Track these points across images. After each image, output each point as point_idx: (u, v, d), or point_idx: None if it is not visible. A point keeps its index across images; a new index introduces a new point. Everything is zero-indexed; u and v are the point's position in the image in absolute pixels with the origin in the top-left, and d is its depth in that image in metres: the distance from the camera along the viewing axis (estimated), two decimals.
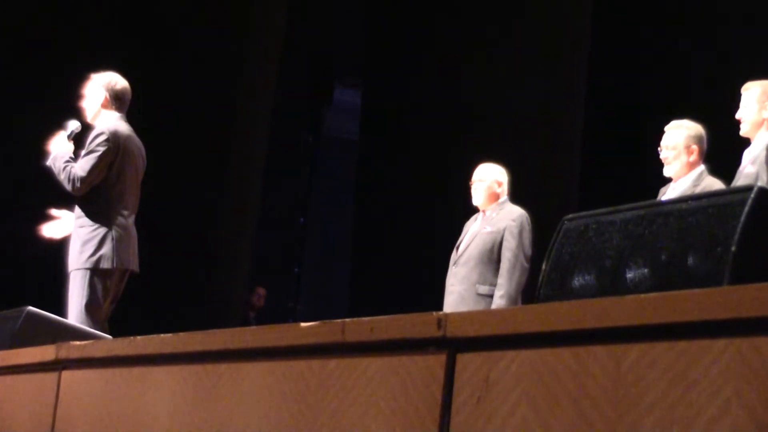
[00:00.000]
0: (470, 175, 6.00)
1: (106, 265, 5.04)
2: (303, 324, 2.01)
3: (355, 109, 12.36)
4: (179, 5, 8.71)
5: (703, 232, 1.73)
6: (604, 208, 1.99)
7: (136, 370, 2.67)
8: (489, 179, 5.93)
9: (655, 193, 5.05)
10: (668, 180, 5.04)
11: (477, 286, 5.72)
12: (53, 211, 5.30)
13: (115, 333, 4.28)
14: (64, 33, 8.40)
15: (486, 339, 1.61)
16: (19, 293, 6.77)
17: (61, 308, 5.12)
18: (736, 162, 4.71)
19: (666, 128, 5.08)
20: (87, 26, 8.42)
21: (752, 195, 1.69)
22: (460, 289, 5.75)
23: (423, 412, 1.69)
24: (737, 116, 4.76)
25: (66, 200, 5.32)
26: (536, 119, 9.47)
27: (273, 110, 9.72)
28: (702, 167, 4.99)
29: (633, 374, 1.38)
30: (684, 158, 4.97)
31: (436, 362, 1.68)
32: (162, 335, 2.55)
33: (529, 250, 5.76)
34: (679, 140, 4.99)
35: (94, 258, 5.02)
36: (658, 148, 5.05)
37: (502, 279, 5.68)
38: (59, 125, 5.28)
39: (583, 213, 2.03)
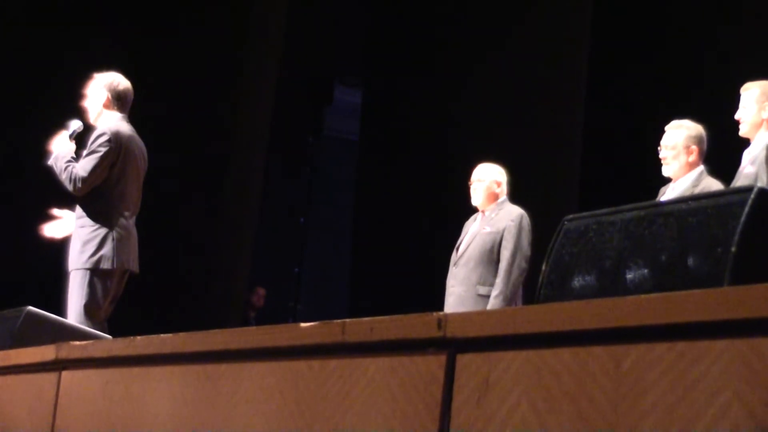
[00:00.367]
0: (470, 175, 6.00)
1: (106, 265, 5.04)
2: (303, 324, 2.01)
3: (355, 108, 12.36)
4: (179, 5, 8.71)
5: (703, 233, 1.73)
6: (605, 209, 1.99)
7: (136, 371, 2.67)
8: (488, 179, 5.93)
9: (656, 194, 5.05)
10: (668, 180, 5.04)
11: (477, 286, 5.72)
12: (54, 211, 5.30)
13: (115, 333, 4.27)
14: (65, 32, 8.40)
15: (486, 339, 1.61)
16: (19, 293, 6.77)
17: (61, 308, 5.12)
18: (737, 162, 4.71)
19: (666, 128, 5.08)
20: (87, 26, 8.42)
21: (752, 195, 1.69)
22: (460, 289, 5.75)
23: (423, 412, 1.69)
24: (736, 117, 4.76)
25: (67, 200, 5.32)
26: (536, 119, 9.47)
27: (273, 110, 9.72)
28: (701, 168, 4.99)
29: (633, 375, 1.38)
30: (683, 158, 4.97)
31: (436, 363, 1.68)
32: (162, 335, 2.54)
33: (527, 251, 5.76)
34: (679, 140, 4.99)
35: (95, 258, 5.02)
36: (658, 148, 5.05)
37: (499, 279, 5.68)
38: (60, 125, 5.28)
39: (584, 213, 2.03)
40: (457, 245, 5.92)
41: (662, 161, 5.02)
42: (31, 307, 4.15)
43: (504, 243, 5.73)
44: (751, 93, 4.73)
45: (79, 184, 5.01)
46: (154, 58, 8.33)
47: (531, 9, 9.65)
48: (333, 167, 15.00)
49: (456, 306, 5.67)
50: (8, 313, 4.28)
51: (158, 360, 2.55)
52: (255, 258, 10.06)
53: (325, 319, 1.98)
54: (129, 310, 5.83)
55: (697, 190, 4.77)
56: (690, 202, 1.81)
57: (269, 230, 12.94)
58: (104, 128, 5.11)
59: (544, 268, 2.04)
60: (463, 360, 1.64)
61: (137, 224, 5.27)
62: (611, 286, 1.86)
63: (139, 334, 2.68)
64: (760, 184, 4.30)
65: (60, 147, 5.15)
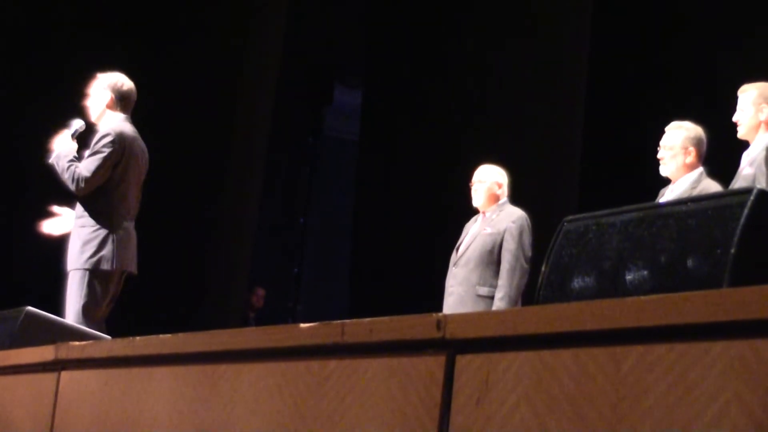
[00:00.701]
0: (470, 177, 6.00)
1: (106, 266, 5.04)
2: (302, 325, 2.01)
3: (355, 109, 12.36)
4: (180, 6, 8.71)
5: (702, 234, 1.73)
6: (604, 210, 1.99)
7: (136, 371, 2.67)
8: (489, 180, 5.93)
9: (655, 195, 5.06)
10: (668, 182, 5.05)
11: (477, 287, 5.72)
12: (54, 208, 5.30)
13: (114, 333, 4.27)
14: (65, 32, 8.40)
15: (485, 340, 1.61)
16: (18, 293, 6.77)
17: (59, 308, 5.12)
18: (737, 164, 4.71)
19: (666, 128, 5.09)
20: (88, 26, 8.42)
21: (751, 197, 1.69)
22: (459, 290, 5.75)
23: (422, 413, 1.69)
24: (734, 119, 4.76)
25: (67, 199, 5.32)
26: (536, 121, 9.46)
27: (273, 110, 9.72)
28: (701, 169, 4.99)
29: (632, 376, 1.38)
30: (681, 159, 4.97)
31: (435, 363, 1.68)
32: (161, 336, 2.54)
33: (529, 252, 5.76)
34: (677, 141, 4.99)
35: (95, 259, 5.02)
36: (657, 148, 5.06)
37: (502, 281, 5.68)
38: (59, 124, 5.27)
39: (583, 215, 2.03)
40: (457, 246, 5.92)
41: (660, 161, 5.03)
42: (30, 308, 4.15)
43: (505, 245, 5.73)
44: (748, 95, 4.73)
45: (82, 184, 5.01)
46: (154, 58, 8.33)
47: (531, 10, 9.65)
48: (333, 168, 15.01)
49: (455, 307, 5.67)
50: (8, 313, 4.28)
51: (158, 360, 2.56)
52: (254, 258, 10.06)
53: (324, 320, 1.98)
54: (128, 310, 5.82)
55: (696, 192, 4.77)
56: (689, 203, 1.81)
57: (269, 231, 12.95)
58: (108, 129, 5.11)
59: (543, 269, 2.04)
60: (463, 361, 1.64)
61: (136, 225, 5.27)
62: (611, 287, 1.86)
63: (139, 335, 2.68)
64: (759, 185, 4.30)
65: (62, 145, 5.14)
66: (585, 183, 9.81)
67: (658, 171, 5.06)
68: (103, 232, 5.05)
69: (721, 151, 5.09)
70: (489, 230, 5.79)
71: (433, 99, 9.65)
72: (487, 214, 5.89)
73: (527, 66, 9.53)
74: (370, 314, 2.00)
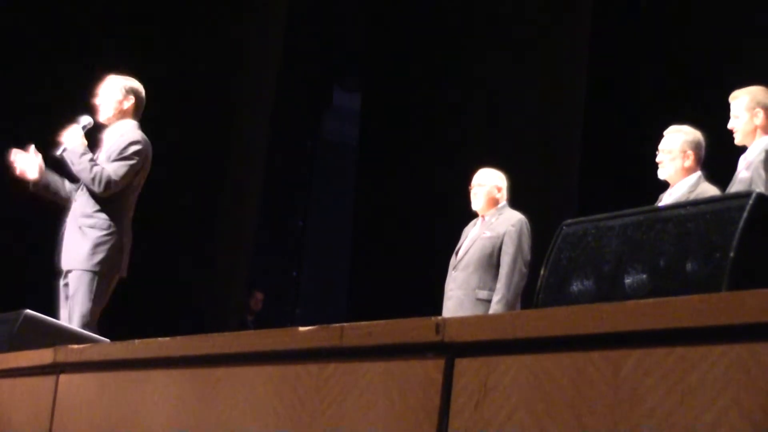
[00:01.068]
0: (470, 180, 6.00)
1: (114, 271, 5.07)
2: (301, 328, 2.00)
3: (354, 112, 12.37)
4: (178, 8, 8.72)
5: (701, 238, 1.73)
6: (603, 214, 1.99)
7: (134, 374, 2.67)
8: (488, 184, 5.93)
9: (654, 199, 5.06)
10: (667, 186, 5.05)
11: (476, 291, 5.72)
12: (31, 149, 5.20)
13: (113, 337, 4.27)
14: (64, 32, 8.40)
15: (484, 344, 1.61)
16: (16, 296, 6.76)
17: (56, 309, 5.11)
18: (735, 168, 4.71)
19: (665, 132, 5.09)
20: (87, 26, 8.43)
21: (750, 201, 1.69)
22: (459, 293, 5.75)
23: (421, 416, 1.68)
24: (729, 126, 4.75)
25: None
26: (536, 124, 9.47)
27: (272, 114, 9.72)
28: (699, 173, 4.99)
29: (631, 380, 1.38)
30: (679, 162, 4.97)
31: (434, 367, 1.68)
32: (160, 339, 2.54)
33: (527, 256, 5.76)
34: (676, 144, 4.99)
35: (106, 263, 5.03)
36: (656, 152, 5.06)
37: (500, 284, 5.68)
38: (59, 123, 5.25)
39: (582, 218, 2.03)
40: (456, 249, 5.92)
41: (658, 164, 5.03)
42: (28, 311, 4.14)
43: (504, 248, 5.73)
44: (740, 101, 4.72)
45: (111, 187, 5.03)
46: (153, 61, 8.33)
47: (531, 15, 9.65)
48: (332, 171, 15.01)
49: (455, 310, 5.67)
50: (6, 315, 4.28)
51: (156, 363, 2.55)
52: (253, 262, 10.06)
53: (323, 323, 1.97)
54: (127, 313, 5.82)
55: (693, 196, 4.77)
56: (688, 207, 1.81)
57: (268, 234, 12.94)
58: (138, 136, 5.15)
59: (542, 272, 2.04)
60: (462, 364, 1.64)
61: (135, 227, 5.28)
62: (610, 290, 1.86)
63: (137, 338, 2.68)
64: (754, 188, 4.30)
65: (73, 140, 5.12)
66: (584, 186, 9.81)
67: (656, 175, 5.06)
68: (114, 237, 5.07)
69: (719, 155, 5.09)
70: (488, 234, 5.79)
71: (432, 103, 9.65)
72: (487, 218, 5.89)
73: (527, 70, 9.53)
74: (368, 317, 2.00)
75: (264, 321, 11.60)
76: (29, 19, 8.47)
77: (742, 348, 1.25)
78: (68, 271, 5.06)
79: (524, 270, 5.73)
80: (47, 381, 3.12)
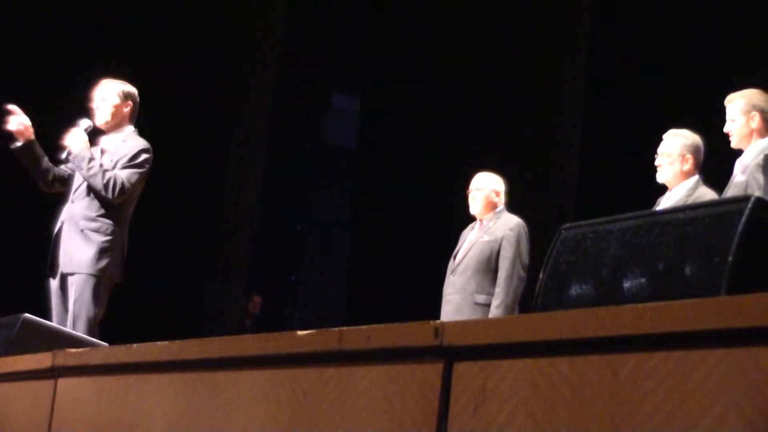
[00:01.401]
0: (468, 184, 6.01)
1: (116, 277, 5.09)
2: (300, 332, 2.00)
3: (353, 116, 12.37)
4: (177, 12, 8.72)
5: (700, 242, 1.73)
6: (602, 218, 1.99)
7: (133, 378, 2.66)
8: (487, 188, 5.93)
9: (653, 203, 5.06)
10: (665, 190, 5.05)
11: (474, 295, 5.72)
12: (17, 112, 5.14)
13: (111, 341, 4.27)
14: (63, 32, 8.40)
15: (483, 348, 1.61)
16: (15, 300, 6.76)
17: (49, 311, 5.09)
18: (731, 172, 4.71)
19: (664, 136, 5.09)
20: (86, 28, 8.43)
21: (749, 205, 1.69)
22: (457, 298, 5.75)
23: (420, 421, 1.68)
24: (725, 130, 4.75)
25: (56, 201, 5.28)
26: (534, 128, 9.47)
27: (271, 117, 9.73)
28: (697, 177, 4.99)
29: (630, 384, 1.38)
30: (677, 166, 4.98)
31: (432, 371, 1.68)
32: (158, 343, 2.54)
33: (526, 260, 5.76)
34: (675, 148, 4.99)
35: (110, 268, 5.03)
36: (655, 155, 5.06)
37: (499, 288, 5.68)
38: (59, 126, 5.24)
39: (581, 222, 2.03)
40: (454, 254, 5.92)
41: (657, 168, 5.03)
42: (27, 315, 4.14)
43: (503, 252, 5.73)
44: (736, 105, 4.71)
45: (123, 194, 5.03)
46: (151, 64, 8.33)
47: (529, 18, 9.66)
48: (330, 175, 15.02)
49: (453, 314, 5.67)
50: (5, 320, 4.27)
51: (155, 367, 2.55)
52: (251, 265, 10.06)
53: (321, 327, 1.97)
54: (125, 317, 5.81)
55: (691, 200, 4.77)
56: (687, 211, 1.81)
57: (266, 238, 12.94)
58: (145, 144, 5.16)
59: (541, 276, 2.03)
60: (460, 368, 1.64)
61: (132, 231, 5.28)
62: (608, 294, 1.86)
63: (135, 342, 2.68)
64: (750, 192, 4.30)
65: (78, 144, 5.10)
66: (582, 190, 9.82)
67: (655, 179, 5.06)
68: (117, 243, 5.07)
69: (717, 159, 5.09)
70: (486, 238, 5.79)
71: (431, 106, 9.65)
72: (485, 222, 5.89)
73: (525, 73, 9.54)
74: (367, 321, 2.00)
75: (262, 325, 11.60)
76: (29, 18, 8.47)
77: (740, 352, 1.25)
78: (68, 274, 5.04)
79: (522, 274, 5.73)
80: (46, 385, 3.11)
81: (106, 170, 5.03)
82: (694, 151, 5.00)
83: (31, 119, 5.17)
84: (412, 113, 9.79)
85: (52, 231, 5.17)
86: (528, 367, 1.53)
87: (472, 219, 5.99)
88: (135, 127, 5.28)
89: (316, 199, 14.97)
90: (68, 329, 4.69)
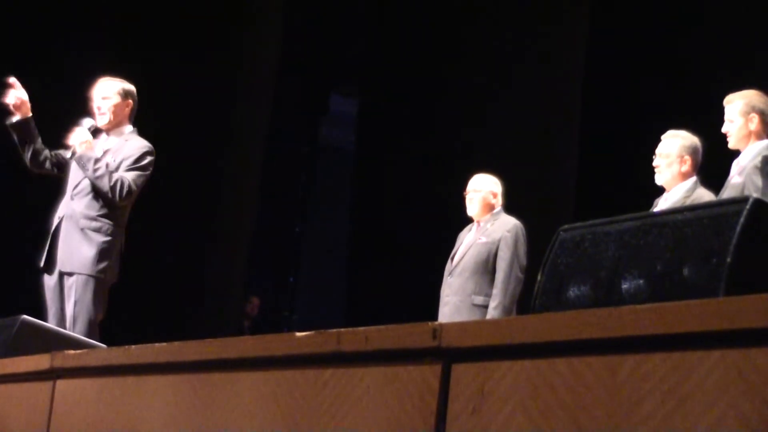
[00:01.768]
0: (465, 186, 6.01)
1: (115, 279, 5.09)
2: (298, 333, 2.00)
3: (351, 118, 12.37)
4: (175, 13, 8.72)
5: (698, 243, 1.73)
6: (600, 219, 1.99)
7: (131, 380, 2.66)
8: (484, 190, 5.94)
9: (650, 205, 5.06)
10: (663, 191, 5.05)
11: (472, 296, 5.72)
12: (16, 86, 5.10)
13: (110, 342, 4.26)
14: (62, 32, 8.40)
15: (481, 349, 1.61)
16: (13, 302, 6.75)
17: (44, 310, 5.07)
18: (728, 173, 4.71)
19: (662, 137, 5.09)
20: (85, 29, 8.43)
21: (748, 206, 1.69)
22: (455, 299, 5.75)
23: (418, 422, 1.68)
24: (723, 130, 4.74)
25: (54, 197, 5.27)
26: (532, 129, 9.47)
27: (269, 119, 9.72)
28: (695, 178, 5.00)
29: (628, 385, 1.38)
30: (676, 167, 4.98)
31: (431, 372, 1.68)
32: (157, 344, 2.54)
33: (523, 261, 5.76)
34: (673, 149, 5.00)
35: (109, 269, 5.02)
36: (653, 156, 5.06)
37: (497, 290, 5.68)
38: (58, 125, 5.23)
39: (579, 224, 2.03)
40: (451, 255, 5.92)
41: (655, 169, 5.03)
42: (25, 316, 4.14)
43: (500, 254, 5.74)
44: (734, 106, 4.71)
45: (129, 196, 5.04)
46: (150, 66, 8.32)
47: (528, 21, 9.66)
48: (328, 177, 15.01)
49: (451, 316, 5.67)
50: (3, 321, 4.27)
51: (153, 369, 2.55)
52: (250, 267, 10.05)
53: (320, 329, 1.97)
54: (124, 318, 5.81)
55: (689, 201, 4.77)
56: (685, 212, 1.81)
57: (264, 239, 12.94)
58: (148, 145, 5.16)
59: (539, 278, 2.03)
60: (458, 370, 1.64)
61: (131, 233, 5.27)
62: (606, 296, 1.86)
63: (134, 343, 2.68)
64: (747, 193, 4.30)
65: (84, 145, 5.07)
66: (580, 192, 9.82)
67: (653, 180, 5.06)
68: (117, 243, 5.07)
69: (716, 160, 5.09)
70: (484, 239, 5.79)
71: (429, 108, 9.65)
72: (482, 224, 5.89)
73: (523, 75, 9.54)
74: (365, 323, 1.99)
75: (261, 326, 11.60)
76: (29, 18, 8.47)
77: (739, 353, 1.25)
78: (67, 274, 5.01)
79: (520, 275, 5.73)
80: (44, 387, 3.11)
81: (112, 172, 5.01)
82: (693, 152, 5.00)
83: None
84: (411, 115, 9.79)
85: (49, 226, 5.14)
86: (526, 369, 1.53)
87: (470, 220, 5.99)
88: (134, 126, 5.27)
89: (314, 200, 14.96)
90: (66, 330, 4.69)
